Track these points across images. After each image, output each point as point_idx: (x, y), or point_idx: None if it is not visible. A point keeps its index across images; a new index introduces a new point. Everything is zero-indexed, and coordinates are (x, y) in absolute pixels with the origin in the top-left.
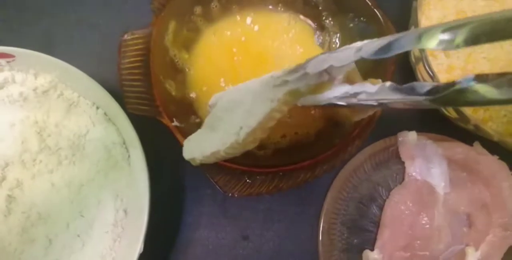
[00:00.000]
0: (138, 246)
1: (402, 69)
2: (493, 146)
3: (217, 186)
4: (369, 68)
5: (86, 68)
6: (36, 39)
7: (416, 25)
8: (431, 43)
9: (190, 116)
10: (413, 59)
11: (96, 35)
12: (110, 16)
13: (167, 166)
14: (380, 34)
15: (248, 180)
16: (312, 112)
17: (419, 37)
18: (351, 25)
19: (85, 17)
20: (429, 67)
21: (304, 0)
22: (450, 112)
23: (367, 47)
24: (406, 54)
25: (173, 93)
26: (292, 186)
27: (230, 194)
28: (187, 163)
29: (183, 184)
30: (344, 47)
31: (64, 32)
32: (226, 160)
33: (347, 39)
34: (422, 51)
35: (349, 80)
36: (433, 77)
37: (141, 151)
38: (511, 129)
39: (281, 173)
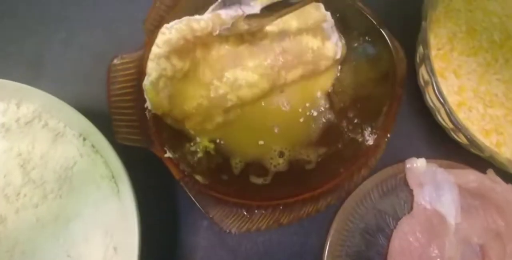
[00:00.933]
0: None
1: (411, 93)
2: (507, 174)
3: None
4: (377, 92)
5: (76, 90)
6: (24, 59)
7: (425, 44)
8: None
9: (185, 144)
10: (422, 82)
11: (86, 55)
12: (101, 35)
13: (160, 197)
14: (385, 53)
15: (246, 214)
16: (301, 120)
17: None
18: (356, 44)
19: (75, 36)
20: (438, 90)
21: None
22: (461, 138)
23: None
24: (415, 78)
25: (168, 121)
26: (294, 220)
27: (227, 231)
28: (182, 194)
29: (178, 215)
30: None
31: (53, 52)
32: (222, 193)
33: (351, 59)
34: (431, 74)
35: None
36: (442, 100)
37: (129, 185)
38: None
39: (281, 207)
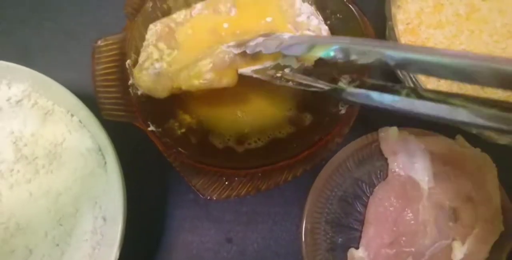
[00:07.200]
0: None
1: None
2: (475, 139)
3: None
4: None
5: (65, 76)
6: (13, 49)
7: (389, 16)
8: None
9: (169, 120)
10: None
11: (73, 42)
12: (87, 23)
13: (149, 171)
14: (357, 30)
15: (226, 182)
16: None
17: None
18: (328, 22)
19: (62, 25)
20: None
21: None
22: None
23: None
24: None
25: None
26: (271, 186)
27: (208, 197)
28: (169, 168)
29: (166, 188)
30: (275, 36)
31: (41, 41)
32: (204, 163)
33: None
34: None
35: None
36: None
37: (114, 156)
38: None
39: (259, 174)
